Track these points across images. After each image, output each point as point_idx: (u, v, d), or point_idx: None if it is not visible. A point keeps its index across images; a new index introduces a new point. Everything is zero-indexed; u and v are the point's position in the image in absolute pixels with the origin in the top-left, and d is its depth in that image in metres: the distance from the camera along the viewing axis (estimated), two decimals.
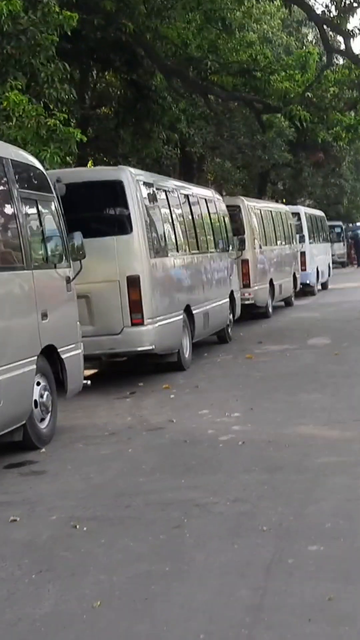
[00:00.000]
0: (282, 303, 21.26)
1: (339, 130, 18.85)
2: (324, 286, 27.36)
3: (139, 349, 10.22)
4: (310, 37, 31.68)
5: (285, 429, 7.34)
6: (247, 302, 17.21)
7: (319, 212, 28.87)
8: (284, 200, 33.63)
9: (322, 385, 9.42)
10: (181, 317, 11.42)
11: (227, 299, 14.53)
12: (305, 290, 23.99)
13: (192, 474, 6.11)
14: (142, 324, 10.09)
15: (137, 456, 6.87)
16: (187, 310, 11.75)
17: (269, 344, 13.82)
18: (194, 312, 11.99)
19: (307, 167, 32.29)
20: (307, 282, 24.00)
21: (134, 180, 10.49)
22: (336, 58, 18.73)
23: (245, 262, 17.25)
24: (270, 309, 18.77)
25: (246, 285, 17.30)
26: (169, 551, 4.54)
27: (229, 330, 14.66)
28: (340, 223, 43.52)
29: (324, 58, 17.16)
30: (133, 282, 10.06)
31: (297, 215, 24.24)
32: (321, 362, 11.24)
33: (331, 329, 15.45)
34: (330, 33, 17.80)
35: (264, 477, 5.83)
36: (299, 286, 22.77)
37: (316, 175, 34.49)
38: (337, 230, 42.47)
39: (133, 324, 10.08)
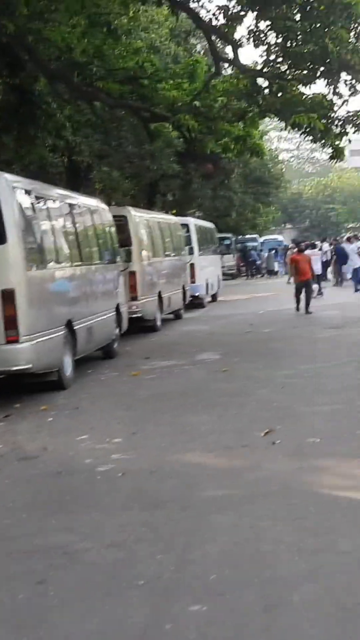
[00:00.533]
0: (172, 316, 20.83)
1: (228, 142, 18.56)
2: (214, 298, 27.16)
3: (15, 368, 9.48)
4: (198, 48, 31.53)
5: (169, 456, 6.78)
6: (134, 316, 16.69)
7: (208, 224, 28.70)
8: (174, 212, 33.30)
9: (211, 405, 8.92)
10: (62, 332, 10.72)
11: (113, 313, 13.92)
12: (194, 303, 23.68)
13: (64, 513, 5.46)
14: (17, 341, 9.37)
15: (5, 491, 6.16)
16: (69, 325, 11.06)
17: (157, 359, 13.29)
18: (76, 327, 11.31)
19: (196, 178, 32.11)
20: (197, 294, 23.69)
21: (10, 187, 9.76)
22: (224, 68, 18.47)
23: (132, 274, 16.73)
24: (158, 322, 18.27)
25: (133, 297, 16.78)
26: (28, 616, 3.88)
27: (115, 345, 14.03)
28: (229, 235, 43.66)
29: (212, 68, 16.83)
30: (8, 297, 9.33)
31: (186, 226, 23.93)
32: (210, 380, 10.77)
33: (221, 343, 15.08)
34: (219, 43, 17.47)
35: (144, 515, 5.24)
36: (188, 298, 22.41)
37: (205, 187, 34.36)
38: (227, 242, 42.59)
39: (8, 342, 9.35)
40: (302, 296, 19.49)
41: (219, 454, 6.74)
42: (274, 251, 44.13)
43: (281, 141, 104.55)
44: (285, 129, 16.19)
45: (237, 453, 6.70)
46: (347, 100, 15.16)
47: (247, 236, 49.33)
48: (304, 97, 15.27)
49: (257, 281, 40.32)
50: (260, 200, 43.46)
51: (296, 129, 15.51)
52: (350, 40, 13.62)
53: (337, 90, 15.08)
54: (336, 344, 13.50)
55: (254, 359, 12.39)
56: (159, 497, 5.62)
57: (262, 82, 15.70)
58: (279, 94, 15.20)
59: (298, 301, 19.69)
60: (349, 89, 15.38)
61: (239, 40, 15.52)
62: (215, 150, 20.72)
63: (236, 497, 5.47)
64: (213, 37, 16.01)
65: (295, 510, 5.12)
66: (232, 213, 39.86)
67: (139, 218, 17.88)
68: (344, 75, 15.29)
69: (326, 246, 31.83)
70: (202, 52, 29.83)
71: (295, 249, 24.11)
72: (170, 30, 27.08)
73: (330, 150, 15.91)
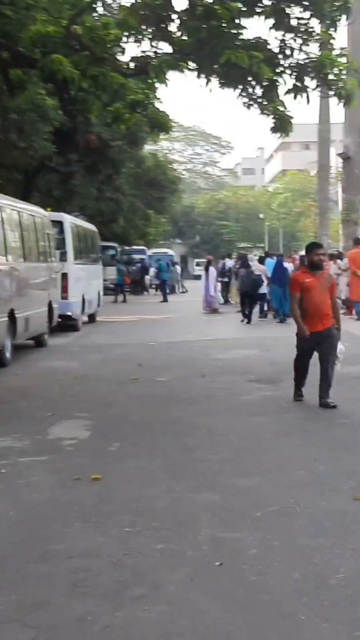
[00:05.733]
0: (32, 342, 15.27)
1: (121, 108, 13.17)
2: (92, 319, 21.69)
3: None
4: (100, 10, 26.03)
5: None
6: None
7: (89, 226, 23.12)
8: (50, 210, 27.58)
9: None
10: None
11: None
12: (66, 324, 18.12)
13: None
14: None
15: None
16: None
17: None
18: None
19: (79, 173, 26.62)
20: (69, 313, 18.14)
21: None
22: None
23: None
24: (7, 354, 12.64)
25: None
26: None
27: None
28: (115, 244, 38.21)
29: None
30: None
31: (59, 224, 18.34)
32: (62, 511, 5.25)
33: (93, 399, 9.65)
34: None
35: None
36: (56, 319, 16.80)
37: (89, 185, 28.76)
38: (112, 252, 37.09)
39: None
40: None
41: None
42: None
43: (173, 153, 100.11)
44: (206, 85, 10.82)
45: None
46: (305, 43, 10.07)
47: (135, 247, 44.01)
48: (240, 31, 10.09)
49: (145, 299, 35.10)
50: (152, 206, 38.22)
51: (224, 83, 10.34)
52: None
53: (289, 24, 9.96)
54: (281, 420, 8.24)
55: (148, 448, 6.98)
56: None
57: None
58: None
59: (300, 376, 9.07)
60: (304, 33, 10.32)
61: None
62: (102, 123, 15.33)
63: None
64: None
65: None
66: (119, 218, 34.32)
67: None
68: (297, 11, 10.26)
69: (230, 263, 26.83)
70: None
71: (294, 262, 16.62)
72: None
73: (272, 119, 10.77)
